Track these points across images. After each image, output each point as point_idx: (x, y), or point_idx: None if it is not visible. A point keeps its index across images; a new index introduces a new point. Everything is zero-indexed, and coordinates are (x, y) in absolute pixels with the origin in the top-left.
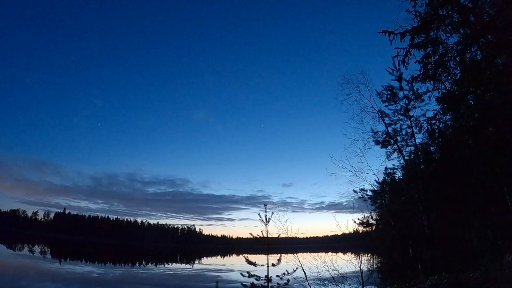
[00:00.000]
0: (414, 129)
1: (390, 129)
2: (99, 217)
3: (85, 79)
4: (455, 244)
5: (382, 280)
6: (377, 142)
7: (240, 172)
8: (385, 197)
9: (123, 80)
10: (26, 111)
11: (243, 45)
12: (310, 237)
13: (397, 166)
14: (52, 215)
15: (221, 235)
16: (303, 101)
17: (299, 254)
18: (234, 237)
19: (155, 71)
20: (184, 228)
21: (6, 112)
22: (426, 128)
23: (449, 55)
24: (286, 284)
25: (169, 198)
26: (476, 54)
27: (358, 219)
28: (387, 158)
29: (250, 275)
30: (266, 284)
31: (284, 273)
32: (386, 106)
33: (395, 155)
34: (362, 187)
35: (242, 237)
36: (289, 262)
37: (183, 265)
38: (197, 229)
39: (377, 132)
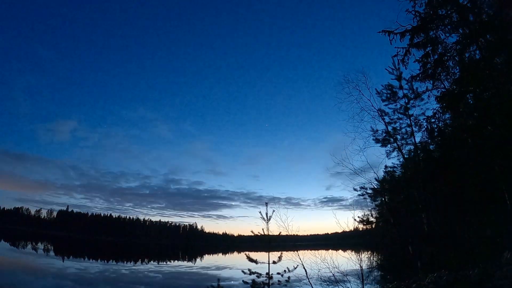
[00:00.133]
0: (414, 128)
1: (390, 128)
2: (102, 214)
3: None
4: (454, 242)
5: (382, 277)
6: (377, 140)
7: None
8: (385, 195)
9: None
10: None
11: (243, 47)
12: (310, 235)
13: (397, 164)
14: (55, 213)
15: (223, 233)
16: (304, 100)
17: (300, 252)
18: (236, 234)
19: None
20: (186, 225)
21: None
22: (425, 127)
23: (448, 54)
24: (287, 281)
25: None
26: (475, 54)
27: (358, 217)
28: (387, 156)
29: (251, 272)
30: (267, 281)
31: (285, 271)
32: (386, 105)
33: (395, 153)
34: (362, 185)
35: (243, 235)
36: (290, 259)
37: (185, 263)
38: (199, 226)
39: (377, 130)
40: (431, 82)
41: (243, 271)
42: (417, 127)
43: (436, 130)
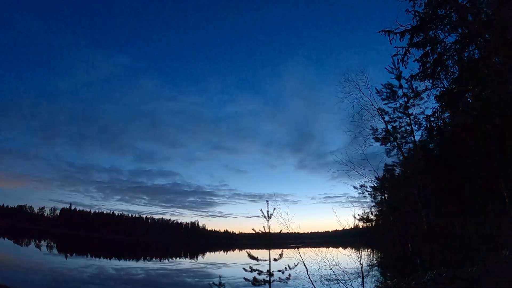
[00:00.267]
0: (413, 127)
1: (389, 127)
2: (104, 212)
3: None
4: (453, 239)
5: (382, 274)
6: (377, 139)
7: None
8: (384, 193)
9: None
10: None
11: (244, 49)
12: (311, 233)
13: (397, 162)
14: (58, 211)
15: (224, 231)
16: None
17: (301, 249)
18: (237, 232)
19: None
20: (188, 223)
21: None
22: (425, 125)
23: (448, 54)
24: (287, 278)
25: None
26: (474, 53)
27: (359, 214)
28: (387, 155)
29: (252, 270)
30: (268, 278)
31: (285, 268)
32: (385, 104)
33: (394, 152)
34: (362, 183)
35: (245, 232)
36: (291, 257)
37: (187, 260)
38: (200, 224)
39: (377, 129)
40: (431, 81)
41: (244, 269)
42: (416, 126)
43: (435, 128)
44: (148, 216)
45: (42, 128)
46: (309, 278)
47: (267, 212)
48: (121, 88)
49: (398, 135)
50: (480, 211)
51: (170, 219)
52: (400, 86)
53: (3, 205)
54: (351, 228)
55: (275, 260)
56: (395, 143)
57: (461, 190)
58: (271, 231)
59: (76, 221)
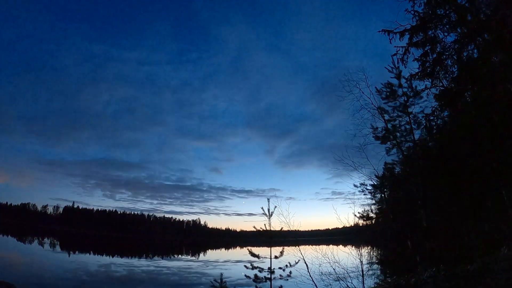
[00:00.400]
0: (413, 125)
1: (389, 125)
2: (107, 210)
3: None
4: (453, 237)
5: (382, 271)
6: (376, 138)
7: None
8: (384, 191)
9: None
10: None
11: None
12: (311, 230)
13: (396, 161)
14: (61, 209)
15: (225, 228)
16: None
17: (301, 247)
18: (238, 230)
19: None
20: (190, 221)
21: None
22: (424, 124)
23: (447, 53)
24: (288, 275)
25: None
26: (473, 53)
27: (359, 212)
28: (387, 153)
29: (253, 267)
30: (269, 275)
31: (286, 265)
32: (385, 103)
33: (394, 150)
34: (362, 182)
35: (246, 230)
36: (292, 254)
37: (189, 257)
38: (202, 222)
39: (377, 128)
40: (430, 80)
41: (245, 266)
42: (416, 125)
43: (434, 127)
44: (150, 214)
45: None
46: (310, 276)
47: (268, 210)
48: None
49: (398, 134)
50: (479, 209)
51: (172, 217)
52: (400, 85)
53: (7, 203)
54: (351, 226)
55: (276, 257)
56: (394, 141)
57: (460, 188)
58: (272, 229)
59: (79, 219)
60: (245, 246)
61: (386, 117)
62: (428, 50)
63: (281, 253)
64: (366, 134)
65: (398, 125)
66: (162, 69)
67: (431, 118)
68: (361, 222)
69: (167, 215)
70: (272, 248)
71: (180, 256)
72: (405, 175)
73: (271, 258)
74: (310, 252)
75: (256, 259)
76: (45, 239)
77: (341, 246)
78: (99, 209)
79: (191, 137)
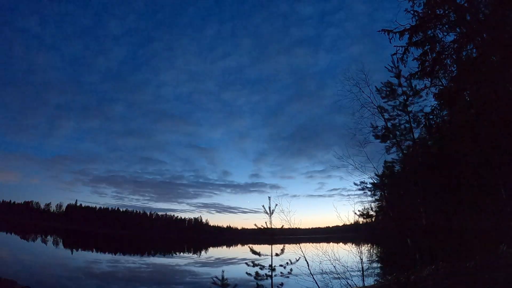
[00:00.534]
0: (412, 124)
1: (389, 124)
2: (110, 208)
3: None
4: (452, 235)
5: (382, 269)
6: (376, 136)
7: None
8: (384, 190)
9: None
10: None
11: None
12: (312, 228)
13: (396, 159)
14: (64, 207)
15: (227, 226)
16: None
17: (302, 245)
18: (239, 227)
19: None
20: (191, 219)
21: None
22: (423, 123)
23: (446, 53)
24: (289, 273)
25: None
26: (472, 52)
27: (359, 210)
28: (387, 152)
29: (254, 265)
30: (270, 273)
31: (287, 263)
32: (385, 102)
33: (394, 149)
34: (362, 180)
35: (247, 228)
36: (292, 252)
37: (190, 255)
38: (204, 220)
39: (377, 127)
40: (429, 79)
41: (246, 263)
42: (415, 123)
43: (434, 126)
44: (153, 212)
45: None
46: (310, 273)
47: (269, 208)
48: None
49: (398, 133)
50: (478, 206)
51: (174, 215)
52: (400, 85)
53: (10, 201)
54: (351, 224)
55: (277, 255)
56: (394, 140)
57: (459, 186)
58: (273, 227)
59: (82, 217)
60: (247, 244)
61: (386, 116)
62: (428, 50)
63: (282, 250)
64: (366, 133)
65: (398, 124)
66: None
67: (431, 117)
68: (361, 220)
69: (169, 213)
70: (273, 246)
71: (181, 253)
72: (405, 173)
73: (272, 256)
74: (310, 249)
75: (257, 256)
76: (48, 237)
77: (341, 244)
78: (102, 207)
79: None
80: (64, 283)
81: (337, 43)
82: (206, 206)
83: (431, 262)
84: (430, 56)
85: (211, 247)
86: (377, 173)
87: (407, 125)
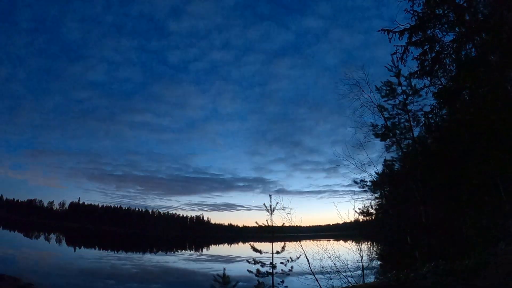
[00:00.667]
0: (412, 123)
1: (389, 123)
2: (112, 206)
3: None
4: (451, 233)
5: (382, 266)
6: (376, 135)
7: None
8: (384, 188)
9: None
10: None
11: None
12: (312, 226)
13: (396, 158)
14: (67, 205)
15: (228, 224)
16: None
17: (303, 242)
18: (241, 225)
19: None
20: (193, 217)
21: None
22: (423, 122)
23: (445, 52)
24: (290, 270)
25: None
26: (471, 52)
27: (359, 208)
28: (386, 150)
29: (255, 262)
30: (271, 270)
31: (288, 260)
32: (385, 101)
33: (394, 147)
34: (362, 178)
35: (248, 226)
36: (293, 249)
37: (192, 252)
38: (205, 217)
39: (377, 125)
40: (429, 79)
41: (247, 261)
42: (415, 122)
43: (433, 125)
44: (155, 210)
45: None
46: (311, 270)
47: (270, 206)
48: None
49: (397, 131)
50: (477, 204)
51: (175, 213)
52: (399, 84)
53: (14, 199)
54: (351, 222)
55: (277, 252)
56: (394, 139)
57: (458, 185)
58: (273, 225)
59: (84, 215)
60: (248, 242)
61: (386, 114)
62: (427, 49)
63: (283, 248)
64: (366, 132)
65: (397, 123)
66: None
67: (430, 116)
68: (361, 218)
69: (171, 211)
70: (274, 243)
71: (183, 251)
72: (405, 171)
73: (273, 253)
74: (311, 247)
75: (258, 254)
76: (51, 235)
77: (341, 241)
78: (104, 205)
79: None
80: (67, 280)
81: None
82: (207, 204)
83: (430, 259)
84: (429, 56)
85: (212, 245)
86: (377, 171)
87: (406, 124)
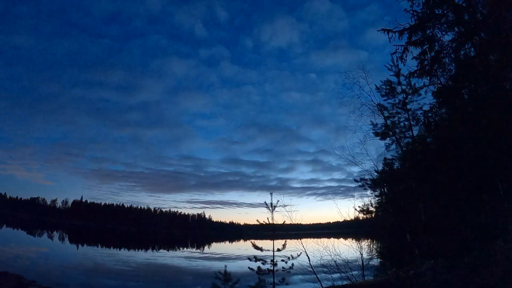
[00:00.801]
0: (412, 122)
1: (389, 122)
2: (114, 204)
3: None
4: (450, 231)
5: (382, 264)
6: (376, 134)
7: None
8: (384, 186)
9: None
10: None
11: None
12: (313, 224)
13: (396, 156)
14: (70, 203)
15: (229, 222)
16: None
17: (303, 240)
18: (242, 223)
19: None
20: (195, 215)
21: None
22: (422, 120)
23: (445, 52)
24: (290, 268)
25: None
26: (470, 51)
27: (359, 206)
28: (386, 149)
29: (257, 259)
30: (272, 268)
31: (289, 258)
32: (385, 100)
33: (393, 146)
34: (362, 177)
35: (250, 224)
36: (294, 247)
37: (194, 250)
38: (207, 215)
39: (377, 124)
40: (428, 78)
41: (249, 258)
42: (414, 121)
43: (433, 124)
44: (156, 208)
45: None
46: (311, 268)
47: (271, 204)
48: None
49: (397, 130)
50: (476, 203)
51: (177, 211)
52: (399, 83)
53: (17, 197)
54: (351, 220)
55: (278, 250)
56: (394, 137)
57: (458, 183)
58: (274, 223)
59: (87, 213)
60: (249, 239)
61: (386, 113)
62: (427, 49)
63: (284, 246)
64: (366, 130)
65: (397, 122)
66: None
67: (429, 114)
68: (361, 216)
69: (173, 209)
70: (275, 241)
71: (185, 249)
72: (404, 170)
73: (273, 251)
74: (311, 245)
75: (259, 252)
76: (54, 233)
77: (341, 239)
78: (107, 203)
79: None
80: (70, 277)
81: None
82: (209, 202)
83: (430, 257)
84: (429, 55)
85: (214, 242)
86: (377, 169)
87: (406, 123)
